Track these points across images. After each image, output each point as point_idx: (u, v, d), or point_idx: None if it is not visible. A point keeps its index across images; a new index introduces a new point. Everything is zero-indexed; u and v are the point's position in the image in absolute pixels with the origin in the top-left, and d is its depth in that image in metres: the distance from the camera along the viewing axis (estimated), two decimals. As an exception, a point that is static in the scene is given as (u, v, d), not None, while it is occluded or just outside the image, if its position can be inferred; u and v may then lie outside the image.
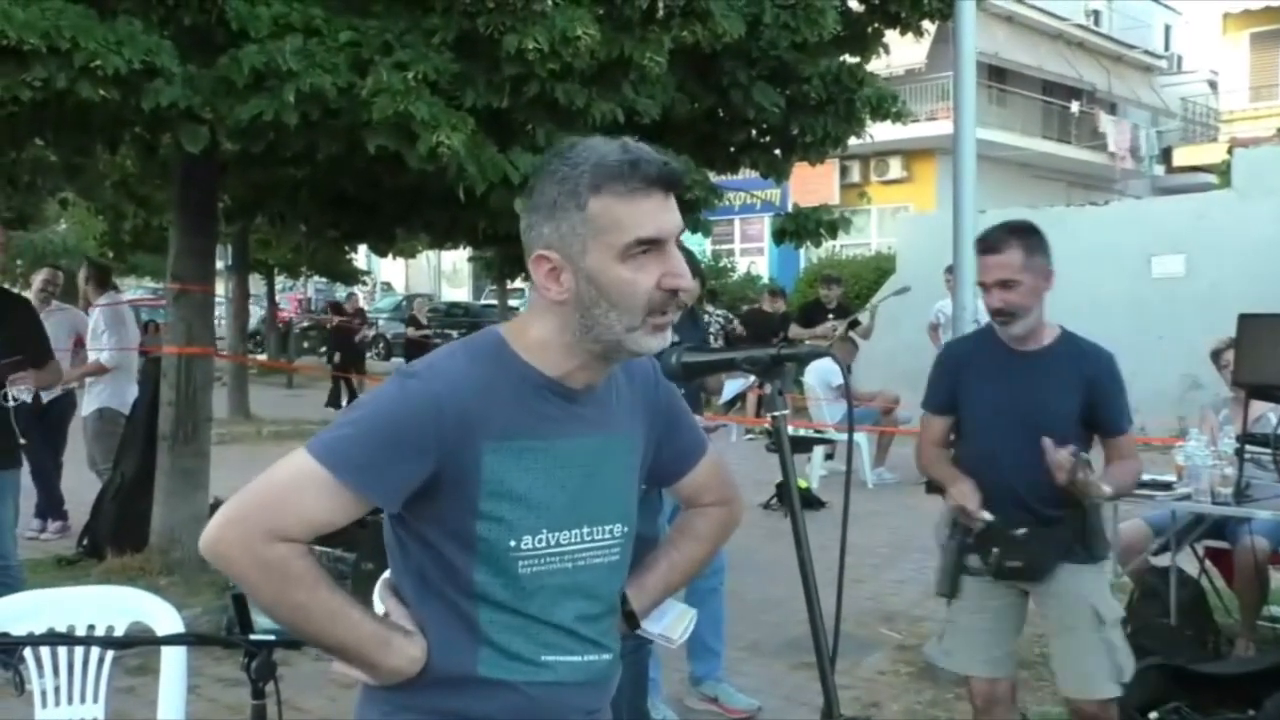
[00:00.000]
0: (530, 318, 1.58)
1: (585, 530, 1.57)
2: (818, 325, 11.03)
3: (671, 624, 1.85)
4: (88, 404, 7.30)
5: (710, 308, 15.08)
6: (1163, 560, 4.93)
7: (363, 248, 17.39)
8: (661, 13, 5.03)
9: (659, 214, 1.50)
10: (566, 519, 1.55)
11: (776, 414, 1.51)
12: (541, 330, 1.55)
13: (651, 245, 1.49)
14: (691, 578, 1.85)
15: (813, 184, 17.60)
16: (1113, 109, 28.73)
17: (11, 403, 4.45)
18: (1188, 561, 5.13)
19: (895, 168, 23.88)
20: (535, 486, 1.52)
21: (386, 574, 1.65)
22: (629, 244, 1.48)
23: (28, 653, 2.43)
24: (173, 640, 2.41)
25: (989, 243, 3.18)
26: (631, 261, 1.48)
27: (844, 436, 9.90)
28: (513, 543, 1.51)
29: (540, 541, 1.53)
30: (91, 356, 7.20)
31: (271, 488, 1.48)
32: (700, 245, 19.71)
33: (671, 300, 1.51)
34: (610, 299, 1.49)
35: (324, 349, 26.23)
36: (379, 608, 1.60)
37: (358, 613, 1.50)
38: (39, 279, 7.53)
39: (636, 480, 1.68)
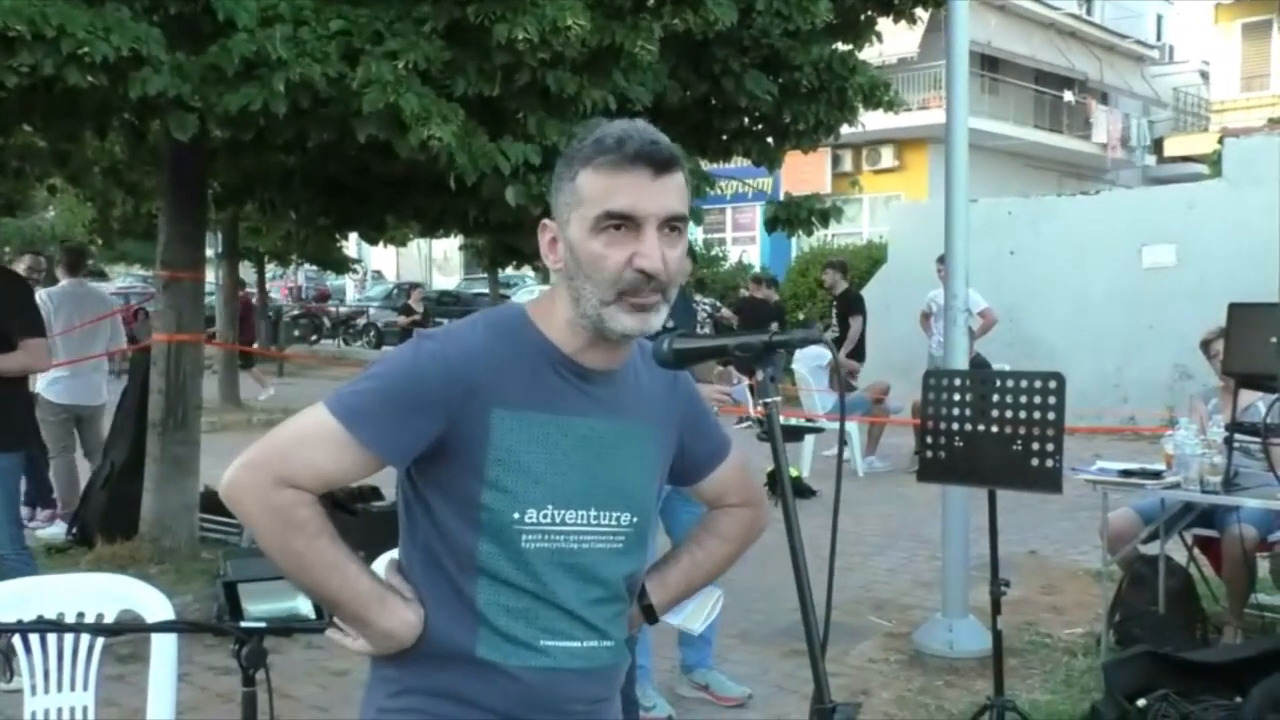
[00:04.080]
0: (551, 292, 1.60)
1: (593, 513, 1.57)
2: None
3: (692, 613, 1.84)
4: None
5: (699, 296, 15.06)
6: (1152, 548, 4.95)
7: (353, 236, 17.31)
8: (652, 1, 5.01)
9: (637, 191, 1.49)
10: (573, 498, 1.55)
11: (768, 401, 1.50)
12: (557, 304, 1.57)
13: (624, 221, 1.49)
14: (713, 577, 1.84)
15: (805, 173, 17.60)
16: (1104, 99, 28.76)
17: None
18: (1176, 550, 5.16)
19: (887, 157, 23.88)
20: (543, 460, 1.53)
21: (392, 553, 1.65)
22: (599, 216, 1.49)
23: (17, 640, 2.42)
24: (163, 627, 2.41)
25: None
26: (604, 235, 1.49)
27: (835, 425, 9.94)
28: (516, 514, 1.51)
29: (545, 516, 1.53)
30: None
31: (288, 437, 1.51)
32: (691, 234, 19.65)
33: (646, 282, 1.49)
34: (585, 271, 1.51)
35: (314, 336, 26.27)
36: None
37: (356, 567, 1.52)
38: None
39: (654, 474, 1.67)
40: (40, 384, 6.99)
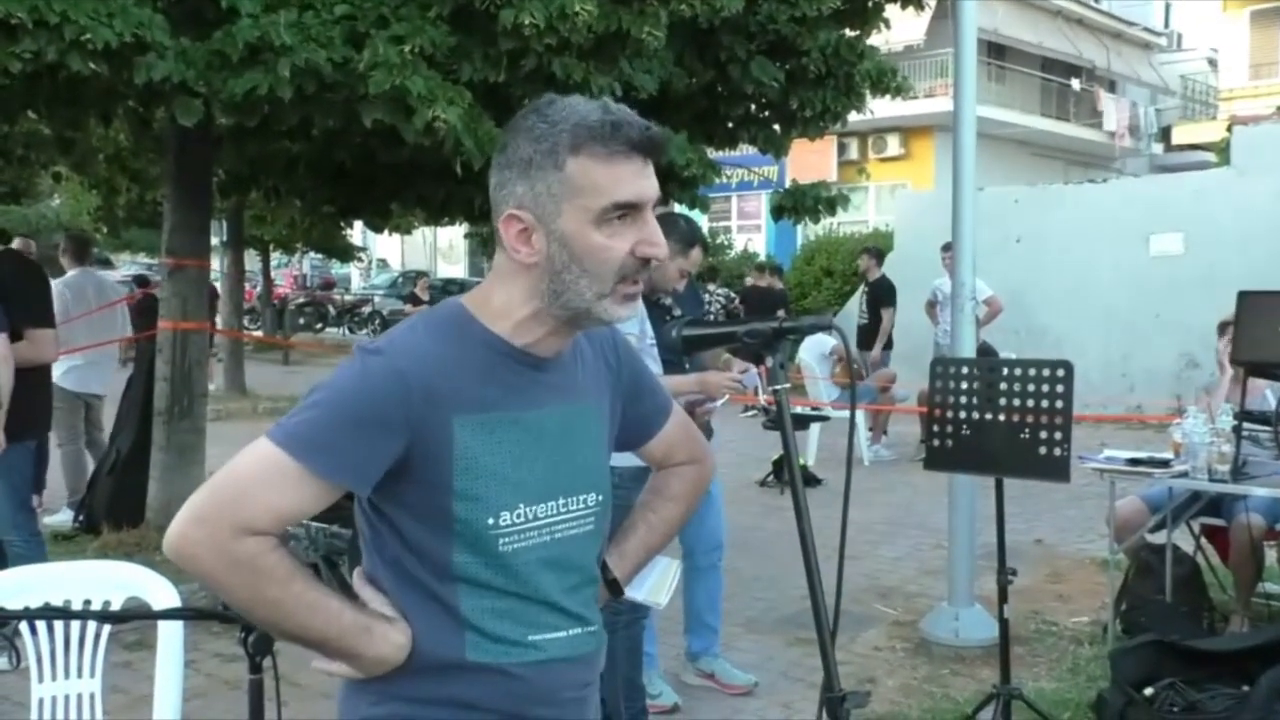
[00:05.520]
0: (494, 284, 1.53)
1: (560, 501, 1.54)
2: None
3: (655, 586, 1.84)
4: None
5: (710, 286, 14.95)
6: (1159, 537, 4.94)
7: (358, 223, 17.28)
8: (659, -13, 4.99)
9: (638, 179, 1.45)
10: (542, 491, 1.52)
11: (777, 388, 1.49)
12: (506, 297, 1.50)
13: (629, 211, 1.45)
14: (669, 538, 1.84)
15: (811, 161, 17.55)
16: (1112, 86, 28.62)
17: None
18: (1184, 539, 5.15)
19: (893, 145, 23.78)
20: (509, 460, 1.49)
21: (361, 567, 1.59)
22: (606, 208, 1.43)
23: (24, 627, 2.43)
24: (170, 615, 2.40)
25: None
26: (607, 226, 1.44)
27: (840, 414, 9.92)
28: (490, 520, 1.47)
29: (519, 516, 1.50)
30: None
31: (236, 481, 1.40)
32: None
33: (644, 269, 1.47)
34: (583, 264, 1.45)
35: (319, 325, 26.27)
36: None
37: (336, 602, 1.46)
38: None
39: (607, 449, 1.66)
40: (55, 372, 6.99)
